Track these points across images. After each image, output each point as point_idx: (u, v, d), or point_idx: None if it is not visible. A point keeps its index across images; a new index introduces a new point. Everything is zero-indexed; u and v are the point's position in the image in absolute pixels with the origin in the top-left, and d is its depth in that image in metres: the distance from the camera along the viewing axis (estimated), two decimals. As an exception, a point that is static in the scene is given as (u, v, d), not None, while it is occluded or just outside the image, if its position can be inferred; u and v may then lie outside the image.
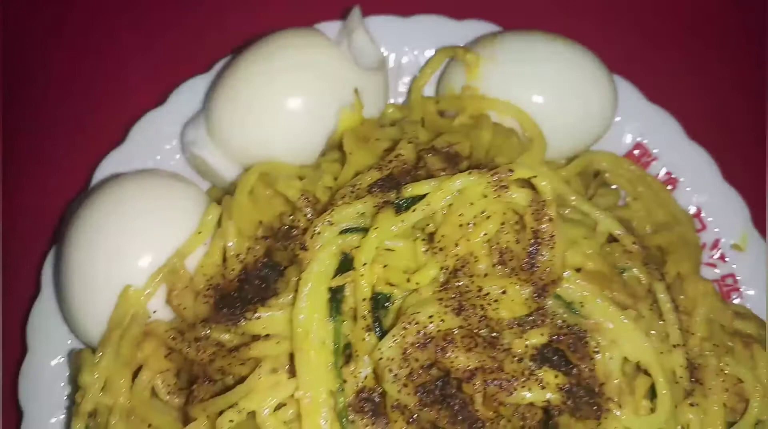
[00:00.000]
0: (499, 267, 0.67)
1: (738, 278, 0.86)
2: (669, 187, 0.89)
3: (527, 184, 0.66)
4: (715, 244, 0.87)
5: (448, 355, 0.63)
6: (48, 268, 0.82)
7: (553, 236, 0.66)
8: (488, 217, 0.67)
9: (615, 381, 0.65)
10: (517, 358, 0.63)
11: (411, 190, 0.67)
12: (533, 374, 0.62)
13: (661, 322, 0.71)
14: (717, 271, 0.86)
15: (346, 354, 0.66)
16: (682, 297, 0.78)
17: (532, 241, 0.66)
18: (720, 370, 0.75)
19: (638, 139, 0.90)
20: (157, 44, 0.95)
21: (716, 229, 0.87)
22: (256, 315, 0.67)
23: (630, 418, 0.64)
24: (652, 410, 0.67)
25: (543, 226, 0.66)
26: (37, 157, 0.93)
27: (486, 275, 0.66)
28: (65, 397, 0.80)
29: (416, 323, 0.62)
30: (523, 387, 0.61)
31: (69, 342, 0.81)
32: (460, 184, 0.66)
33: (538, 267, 0.66)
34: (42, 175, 0.92)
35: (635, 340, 0.66)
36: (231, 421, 0.63)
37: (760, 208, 0.87)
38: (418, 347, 0.62)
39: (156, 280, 0.72)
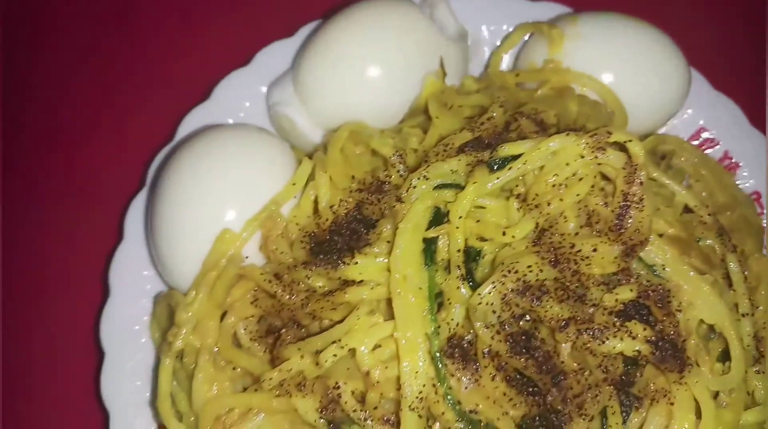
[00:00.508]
0: (586, 229, 0.71)
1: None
2: (730, 172, 0.93)
3: (620, 148, 0.70)
4: (776, 226, 0.91)
5: (543, 304, 0.66)
6: (132, 216, 0.85)
7: (642, 199, 0.69)
8: (580, 179, 0.70)
9: (693, 341, 0.69)
10: (607, 311, 0.66)
11: (507, 149, 0.70)
12: (624, 326, 0.65)
13: (731, 292, 0.75)
14: (779, 253, 0.90)
15: (437, 303, 0.69)
16: (746, 272, 0.82)
17: (622, 203, 0.69)
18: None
19: (701, 123, 0.94)
20: (246, 6, 0.97)
21: (777, 213, 0.91)
22: (354, 260, 0.70)
23: (710, 379, 0.68)
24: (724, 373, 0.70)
25: (633, 189, 0.69)
26: (119, 109, 0.96)
27: (576, 234, 0.70)
28: (143, 340, 0.82)
29: (515, 271, 0.66)
30: (614, 337, 0.65)
31: (149, 287, 0.84)
32: (557, 144, 0.69)
33: (626, 228, 0.69)
34: (123, 128, 0.95)
35: (712, 303, 0.69)
36: (334, 355, 0.66)
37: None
38: (517, 294, 0.65)
39: (253, 224, 0.75)
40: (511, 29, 0.92)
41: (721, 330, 0.70)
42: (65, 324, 0.89)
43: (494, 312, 0.65)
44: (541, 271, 0.66)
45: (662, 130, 0.92)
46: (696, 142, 0.94)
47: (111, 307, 0.83)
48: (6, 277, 0.90)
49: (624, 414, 0.68)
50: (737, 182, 0.91)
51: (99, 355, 0.81)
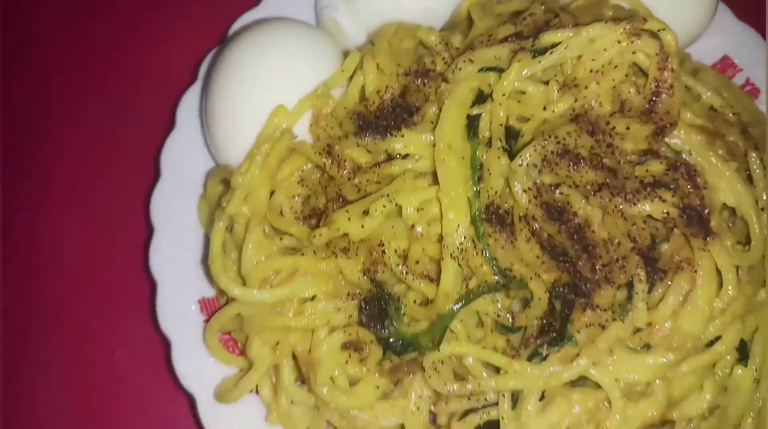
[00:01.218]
0: (620, 114, 0.76)
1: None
2: (752, 96, 0.98)
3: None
4: (791, 148, 0.95)
5: (579, 170, 0.71)
6: (184, 106, 0.90)
7: (672, 85, 0.74)
8: (615, 67, 0.75)
9: (715, 219, 0.74)
10: (638, 180, 0.71)
11: (549, 37, 0.76)
12: (654, 192, 0.70)
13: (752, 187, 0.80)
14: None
15: (477, 177, 0.74)
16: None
17: (654, 89, 0.75)
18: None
19: (725, 52, 0.99)
20: None
21: (793, 135, 0.96)
22: (401, 133, 0.75)
23: (733, 253, 0.72)
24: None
25: (665, 75, 0.74)
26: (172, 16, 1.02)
27: (611, 115, 0.75)
28: (192, 220, 0.87)
29: (555, 137, 0.70)
30: (645, 199, 0.69)
31: (198, 172, 0.89)
32: (596, 31, 0.74)
33: (657, 112, 0.74)
34: (178, 31, 1.01)
35: (735, 187, 0.74)
36: (384, 206, 0.70)
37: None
38: (557, 155, 0.70)
39: (306, 103, 0.80)
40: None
41: (742, 213, 0.75)
42: (117, 206, 0.94)
43: (534, 172, 0.70)
44: (579, 137, 0.71)
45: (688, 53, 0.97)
46: (721, 69, 0.99)
47: (161, 188, 0.88)
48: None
49: (650, 284, 0.72)
50: (757, 104, 0.97)
51: (149, 232, 0.86)
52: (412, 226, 0.71)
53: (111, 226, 0.94)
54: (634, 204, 0.69)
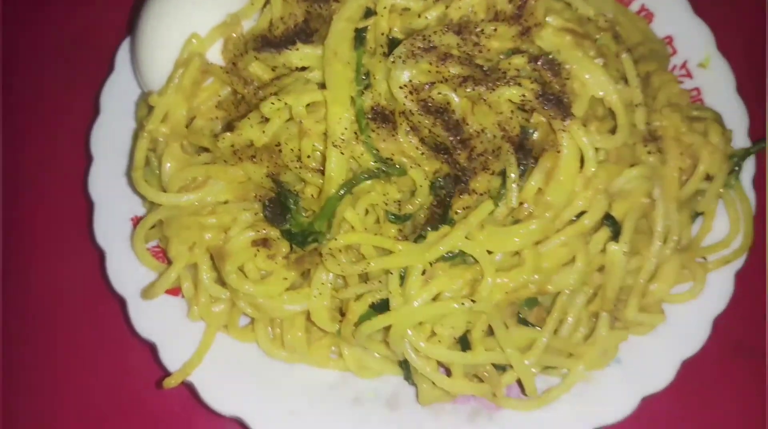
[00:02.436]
0: (494, 21, 0.84)
1: (701, 90, 1.01)
2: (646, 20, 1.05)
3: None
4: (684, 65, 1.03)
5: (447, 64, 0.79)
6: (122, 52, 1.01)
7: (536, -9, 0.82)
8: (488, -19, 0.84)
9: (582, 108, 0.81)
10: (501, 73, 0.79)
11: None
12: (513, 79, 0.78)
13: (625, 87, 0.88)
14: (684, 86, 1.01)
15: (365, 84, 0.83)
16: (648, 89, 0.94)
17: (520, -3, 0.83)
18: (677, 137, 0.90)
19: (622, -17, 1.07)
20: None
21: (685, 53, 1.03)
22: (296, 47, 0.85)
23: (594, 134, 0.80)
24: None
25: (529, -17, 0.83)
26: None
27: (482, 21, 0.83)
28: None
29: (423, 36, 0.79)
30: (504, 86, 0.78)
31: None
32: (467, -52, 0.83)
33: (523, 15, 0.82)
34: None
35: (601, 79, 0.82)
36: (272, 104, 0.80)
37: (724, 33, 1.02)
38: (424, 51, 0.78)
39: (217, 30, 0.90)
40: None
41: (608, 102, 0.82)
42: (60, 138, 1.05)
43: (404, 64, 0.78)
44: (444, 34, 0.79)
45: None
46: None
47: (99, 122, 0.98)
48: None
49: (521, 168, 0.80)
50: (651, 27, 1.04)
51: (88, 161, 0.96)
52: (301, 125, 0.80)
53: (54, 159, 1.04)
54: (494, 90, 0.78)
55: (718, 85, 1.01)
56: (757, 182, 0.95)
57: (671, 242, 0.87)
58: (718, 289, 0.90)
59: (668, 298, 0.89)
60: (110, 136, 0.98)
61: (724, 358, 0.94)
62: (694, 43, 1.03)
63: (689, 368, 0.87)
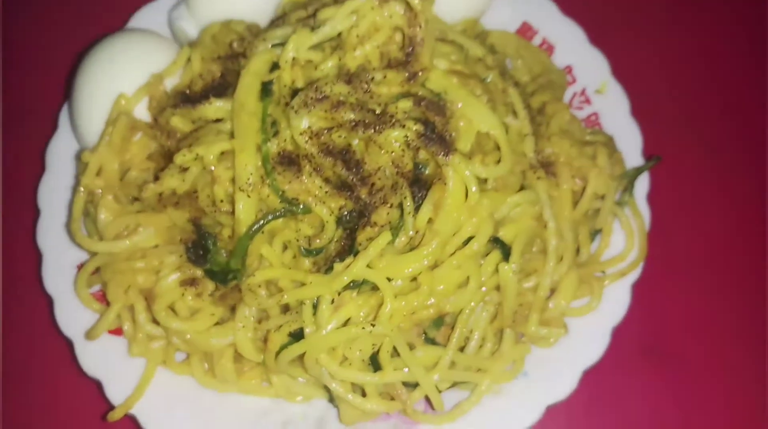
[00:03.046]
0: (386, 69, 0.93)
1: (599, 114, 1.09)
2: (547, 53, 1.14)
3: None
4: (583, 92, 1.11)
5: (339, 111, 0.87)
6: (64, 113, 1.10)
7: (422, 39, 0.91)
8: (378, 31, 0.93)
9: (468, 144, 0.89)
10: (389, 116, 0.88)
11: (322, 14, 0.93)
12: (398, 122, 0.87)
13: (514, 120, 0.96)
14: (582, 112, 1.10)
15: (273, 132, 0.91)
16: (543, 118, 1.02)
17: (408, 45, 0.92)
18: (568, 162, 0.98)
19: (524, 18, 1.16)
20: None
21: (583, 80, 1.11)
22: (209, 101, 0.93)
23: (476, 166, 0.88)
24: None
25: (415, 31, 0.91)
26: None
27: (374, 69, 0.92)
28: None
29: (316, 88, 0.88)
30: (391, 128, 0.86)
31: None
32: (354, 4, 0.91)
33: (411, 61, 0.91)
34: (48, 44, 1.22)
35: (485, 114, 0.90)
36: (184, 155, 0.88)
37: (618, 60, 1.10)
38: (317, 101, 0.87)
39: (142, 89, 0.99)
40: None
41: (494, 136, 0.90)
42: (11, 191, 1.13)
43: (299, 113, 0.87)
44: (335, 84, 0.88)
45: (492, 26, 1.14)
46: (521, 33, 1.16)
47: (47, 180, 1.07)
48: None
49: (416, 201, 0.88)
50: (552, 59, 1.13)
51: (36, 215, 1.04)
52: (212, 170, 0.89)
53: (6, 213, 1.13)
54: (381, 132, 0.86)
55: (613, 109, 1.09)
56: (651, 198, 1.02)
57: (566, 260, 0.95)
58: (615, 301, 0.97)
59: (569, 312, 0.96)
60: (55, 191, 1.06)
61: (629, 362, 1.01)
62: (591, 71, 1.12)
63: (599, 377, 0.94)
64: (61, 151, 1.08)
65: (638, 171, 1.02)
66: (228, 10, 1.07)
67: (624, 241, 1.00)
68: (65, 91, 1.11)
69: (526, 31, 1.16)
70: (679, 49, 1.23)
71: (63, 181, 1.07)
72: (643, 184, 1.03)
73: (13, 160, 1.17)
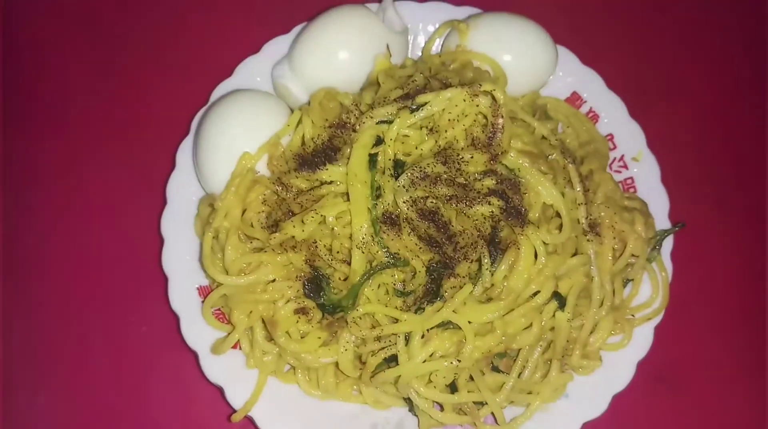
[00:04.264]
0: (471, 147, 1.21)
1: (635, 179, 1.39)
2: (593, 121, 1.43)
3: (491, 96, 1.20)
4: (621, 158, 1.40)
5: (437, 187, 1.16)
6: (181, 152, 1.36)
7: (503, 126, 1.19)
8: (466, 116, 1.21)
9: (536, 213, 1.19)
10: (476, 192, 1.17)
11: (420, 98, 1.21)
12: (486, 198, 1.16)
13: (571, 190, 1.25)
14: (620, 175, 1.39)
15: (376, 195, 1.19)
16: (590, 184, 1.32)
17: (491, 129, 1.20)
18: (611, 225, 1.28)
19: (574, 89, 1.44)
20: (253, 6, 1.50)
21: (623, 148, 1.40)
22: (325, 167, 1.21)
23: (544, 234, 1.17)
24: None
25: (498, 120, 1.19)
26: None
27: (462, 148, 1.20)
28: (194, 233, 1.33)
29: (419, 167, 1.16)
30: (479, 204, 1.15)
31: (194, 199, 1.34)
32: (450, 93, 1.19)
33: (493, 144, 1.20)
34: (173, 94, 1.49)
35: (550, 190, 1.19)
36: (312, 217, 1.16)
37: (653, 132, 1.40)
38: (420, 178, 1.15)
39: (263, 149, 1.26)
40: (438, 26, 1.44)
41: (557, 208, 1.20)
42: (134, 227, 1.41)
43: (407, 190, 1.15)
44: (435, 165, 1.16)
45: (546, 93, 1.42)
46: (570, 102, 1.44)
47: (168, 211, 1.33)
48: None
49: (493, 258, 1.17)
50: (597, 127, 1.42)
51: (160, 243, 1.32)
52: (332, 229, 1.17)
53: (134, 241, 1.40)
54: (471, 207, 1.15)
55: (647, 175, 1.38)
56: (674, 255, 1.33)
57: (605, 306, 1.25)
58: (641, 340, 1.28)
59: (604, 347, 1.27)
60: (176, 221, 1.33)
61: (648, 389, 1.32)
62: (629, 140, 1.41)
63: (621, 399, 1.25)
64: (180, 187, 1.36)
65: (665, 233, 1.32)
66: (326, 73, 1.34)
67: (650, 290, 1.31)
68: (186, 128, 1.38)
69: (575, 100, 1.44)
70: (705, 121, 1.53)
71: (182, 212, 1.34)
72: (668, 244, 1.33)
73: (131, 189, 1.44)
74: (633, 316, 1.30)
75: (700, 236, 1.42)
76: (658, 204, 1.36)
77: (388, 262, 1.17)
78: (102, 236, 1.43)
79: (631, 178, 1.39)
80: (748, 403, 1.34)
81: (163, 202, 1.34)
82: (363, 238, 1.16)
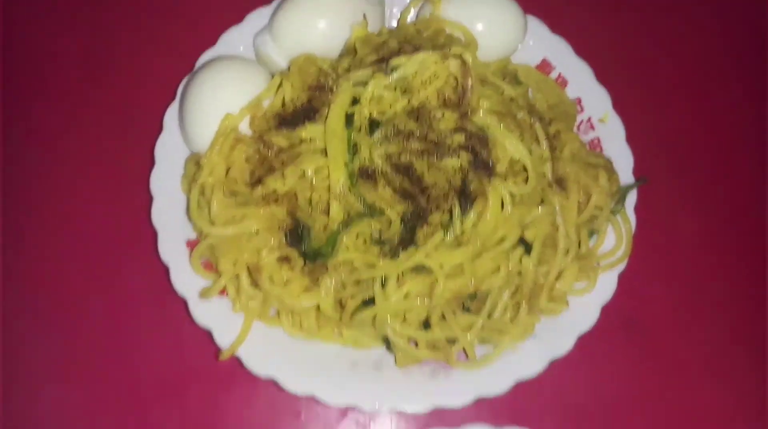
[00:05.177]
0: (443, 106, 1.38)
1: (601, 139, 1.56)
2: (562, 86, 1.60)
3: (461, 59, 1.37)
4: (589, 120, 1.57)
5: (410, 142, 1.33)
6: (169, 116, 1.53)
7: (472, 86, 1.36)
8: (438, 77, 1.38)
9: (503, 167, 1.36)
10: (447, 147, 1.34)
11: (394, 61, 1.38)
12: (455, 153, 1.32)
13: (537, 147, 1.42)
14: (587, 136, 1.56)
15: (353, 151, 1.36)
16: (557, 143, 1.49)
17: (461, 90, 1.37)
18: (577, 180, 1.45)
19: (544, 56, 1.61)
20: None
21: (589, 110, 1.58)
22: (305, 126, 1.38)
23: (511, 185, 1.34)
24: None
25: (466, 81, 1.36)
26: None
27: (434, 107, 1.37)
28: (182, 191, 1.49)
29: (393, 124, 1.33)
30: (448, 157, 1.32)
31: (182, 160, 1.51)
32: (422, 56, 1.36)
33: (462, 104, 1.36)
34: (157, 61, 1.66)
35: (516, 144, 1.36)
36: (293, 171, 1.33)
37: (618, 94, 1.57)
38: (394, 134, 1.32)
39: (245, 110, 1.42)
40: (413, -5, 1.61)
41: (523, 162, 1.37)
42: (122, 182, 1.57)
43: (381, 145, 1.32)
44: (407, 123, 1.33)
45: (517, 61, 1.59)
46: (540, 68, 1.62)
47: (157, 171, 1.50)
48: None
49: (462, 208, 1.34)
50: (566, 91, 1.59)
51: (149, 200, 1.48)
52: (312, 182, 1.34)
53: (121, 199, 1.57)
54: (442, 160, 1.32)
55: (612, 135, 1.55)
56: (638, 209, 1.50)
57: (571, 254, 1.42)
58: (605, 285, 1.45)
59: (571, 292, 1.44)
60: (164, 180, 1.50)
61: (612, 335, 1.49)
62: (596, 103, 1.58)
63: (588, 343, 1.42)
64: (167, 148, 1.52)
65: (628, 188, 1.50)
66: (306, 41, 1.51)
67: (614, 241, 1.48)
68: (178, 104, 1.54)
69: (545, 66, 1.61)
70: (668, 85, 1.71)
71: (169, 172, 1.50)
72: (631, 198, 1.51)
73: (120, 150, 1.61)
74: (598, 264, 1.46)
75: (662, 192, 1.59)
76: (623, 162, 1.53)
77: (365, 212, 1.34)
78: (94, 198, 1.59)
79: (598, 138, 1.56)
80: (709, 347, 1.51)
81: (152, 163, 1.51)
82: (341, 190, 1.33)
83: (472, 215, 1.32)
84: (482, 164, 1.33)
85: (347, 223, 1.33)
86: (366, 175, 1.35)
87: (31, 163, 1.62)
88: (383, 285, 1.33)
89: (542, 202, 1.39)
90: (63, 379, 1.47)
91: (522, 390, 1.37)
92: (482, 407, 1.35)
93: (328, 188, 1.34)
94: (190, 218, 1.42)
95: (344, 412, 1.46)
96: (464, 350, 1.38)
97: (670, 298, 1.55)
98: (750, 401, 1.48)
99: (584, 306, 1.44)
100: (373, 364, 1.41)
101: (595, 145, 1.56)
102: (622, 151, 1.54)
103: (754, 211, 1.62)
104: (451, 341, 1.37)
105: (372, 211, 1.34)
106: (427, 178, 1.34)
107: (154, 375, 1.47)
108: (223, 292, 1.42)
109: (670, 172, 1.63)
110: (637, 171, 1.53)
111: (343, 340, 1.42)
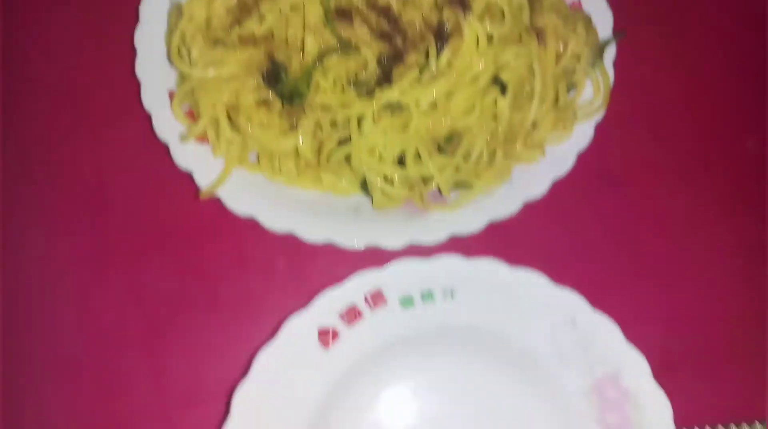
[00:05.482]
0: (421, -52, 1.42)
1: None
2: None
3: None
4: (573, -20, 1.61)
5: (386, -20, 1.37)
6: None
7: (448, -74, 1.40)
8: None
9: (480, 6, 1.39)
10: (425, -11, 1.38)
11: None
12: (432, -6, 1.37)
13: None
14: (569, -5, 1.60)
15: (332, -8, 1.40)
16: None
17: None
18: (554, 30, 1.49)
19: None
20: None
21: (572, -29, 1.61)
22: (284, -34, 1.42)
23: (486, 24, 1.38)
24: (502, 29, 1.41)
25: None
26: None
27: (411, -53, 1.41)
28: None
29: (369, -43, 1.37)
30: (425, -6, 1.36)
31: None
32: None
33: (440, -57, 1.40)
34: None
35: (493, -13, 1.40)
36: (269, 8, 1.37)
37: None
38: (370, -28, 1.36)
39: (225, -47, 1.47)
40: None
41: (500, 4, 1.41)
42: (108, 40, 1.62)
43: (358, -17, 1.37)
44: (384, -43, 1.37)
45: None
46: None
47: (141, 28, 1.55)
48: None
49: (438, 48, 1.38)
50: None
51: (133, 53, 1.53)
52: (286, 17, 1.39)
53: (105, 55, 1.62)
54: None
55: (594, -5, 1.59)
56: (616, 64, 1.54)
57: (547, 102, 1.46)
58: (582, 134, 1.49)
59: (548, 140, 1.48)
60: (148, 36, 1.54)
61: (589, 185, 1.54)
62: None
63: (563, 191, 1.46)
64: (152, 6, 1.57)
65: (607, 41, 1.53)
66: None
67: (592, 93, 1.52)
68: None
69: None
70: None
71: (155, 28, 1.55)
72: (610, 53, 1.54)
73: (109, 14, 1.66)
74: (575, 114, 1.50)
75: (642, 50, 1.63)
76: (603, 20, 1.56)
77: (339, 46, 1.38)
78: (79, 63, 1.64)
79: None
80: (684, 200, 1.55)
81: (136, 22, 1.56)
82: (315, 25, 1.37)
83: (447, 52, 1.36)
84: (458, 1, 1.37)
85: (321, 56, 1.38)
86: (342, 13, 1.39)
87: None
88: (359, 124, 1.38)
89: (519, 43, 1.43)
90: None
91: (495, 229, 1.41)
92: (456, 244, 1.39)
93: (304, 26, 1.38)
94: (170, 62, 1.47)
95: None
96: (439, 190, 1.42)
97: (649, 156, 1.58)
98: (729, 252, 1.52)
99: (560, 153, 1.48)
100: (352, 209, 1.46)
101: (576, 6, 1.59)
102: (601, 8, 1.58)
103: (736, 72, 1.65)
104: (427, 181, 1.42)
105: (347, 47, 1.38)
106: (403, 16, 1.38)
107: (135, 222, 1.52)
108: (204, 139, 1.47)
109: (651, 31, 1.66)
110: (616, 28, 1.56)
111: (322, 186, 1.47)
